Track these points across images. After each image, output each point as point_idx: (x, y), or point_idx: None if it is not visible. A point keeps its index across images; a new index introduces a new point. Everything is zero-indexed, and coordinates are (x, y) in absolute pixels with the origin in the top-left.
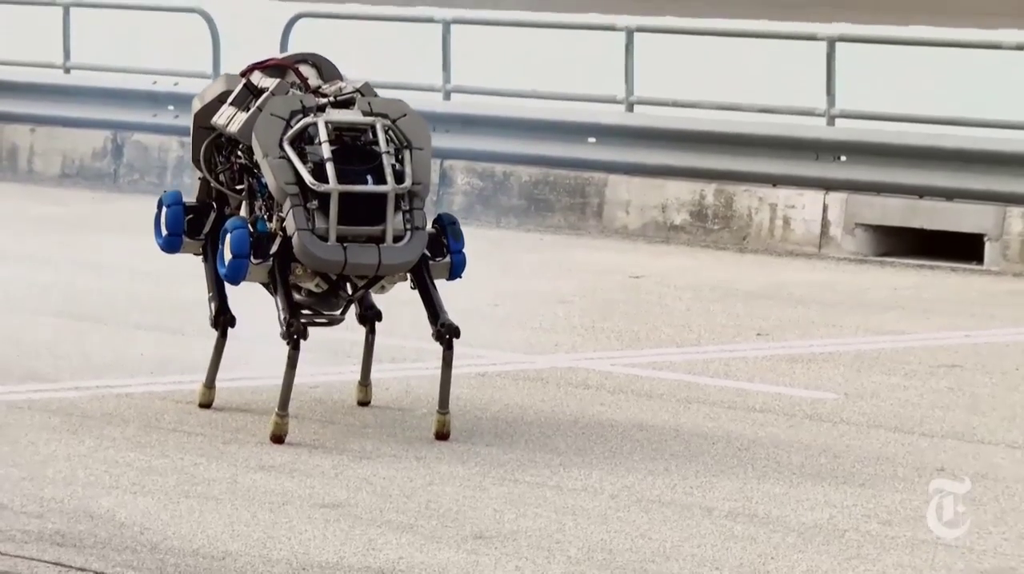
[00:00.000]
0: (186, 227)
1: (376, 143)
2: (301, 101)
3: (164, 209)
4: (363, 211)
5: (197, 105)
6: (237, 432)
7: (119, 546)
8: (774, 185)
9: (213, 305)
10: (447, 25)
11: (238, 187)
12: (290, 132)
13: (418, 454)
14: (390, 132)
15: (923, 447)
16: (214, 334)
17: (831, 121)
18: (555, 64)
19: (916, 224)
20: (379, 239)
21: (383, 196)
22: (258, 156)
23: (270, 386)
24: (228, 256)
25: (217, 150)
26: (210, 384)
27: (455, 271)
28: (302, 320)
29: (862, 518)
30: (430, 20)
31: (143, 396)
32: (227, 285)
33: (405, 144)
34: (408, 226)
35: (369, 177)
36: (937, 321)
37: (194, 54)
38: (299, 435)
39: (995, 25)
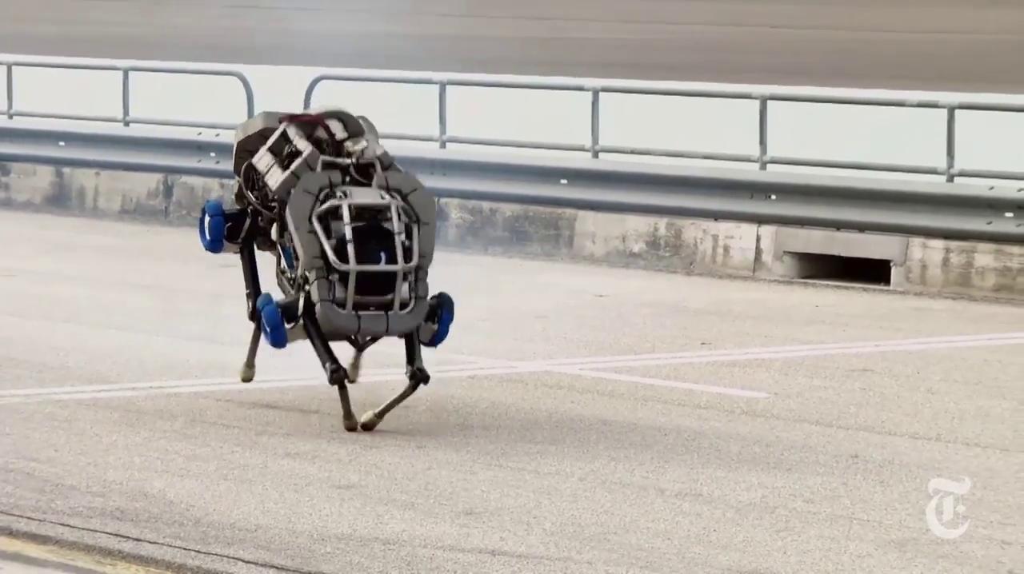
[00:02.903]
0: (226, 233)
1: (390, 221)
2: (329, 178)
3: (208, 218)
4: (376, 284)
5: (240, 134)
6: (267, 426)
7: (168, 520)
8: (716, 219)
9: (250, 301)
10: (443, 86)
11: (271, 205)
12: (319, 209)
13: (419, 444)
14: (401, 211)
15: (840, 438)
16: (248, 341)
17: (763, 166)
18: (533, 118)
19: (834, 252)
20: (387, 306)
21: (394, 272)
22: (291, 228)
23: (296, 387)
24: (268, 330)
25: (255, 171)
26: (250, 364)
27: (436, 339)
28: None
29: (789, 497)
30: (429, 82)
31: (189, 395)
32: (260, 280)
33: (414, 219)
34: (412, 295)
35: (383, 255)
36: (852, 333)
37: (232, 109)
38: (319, 428)
39: (899, 86)
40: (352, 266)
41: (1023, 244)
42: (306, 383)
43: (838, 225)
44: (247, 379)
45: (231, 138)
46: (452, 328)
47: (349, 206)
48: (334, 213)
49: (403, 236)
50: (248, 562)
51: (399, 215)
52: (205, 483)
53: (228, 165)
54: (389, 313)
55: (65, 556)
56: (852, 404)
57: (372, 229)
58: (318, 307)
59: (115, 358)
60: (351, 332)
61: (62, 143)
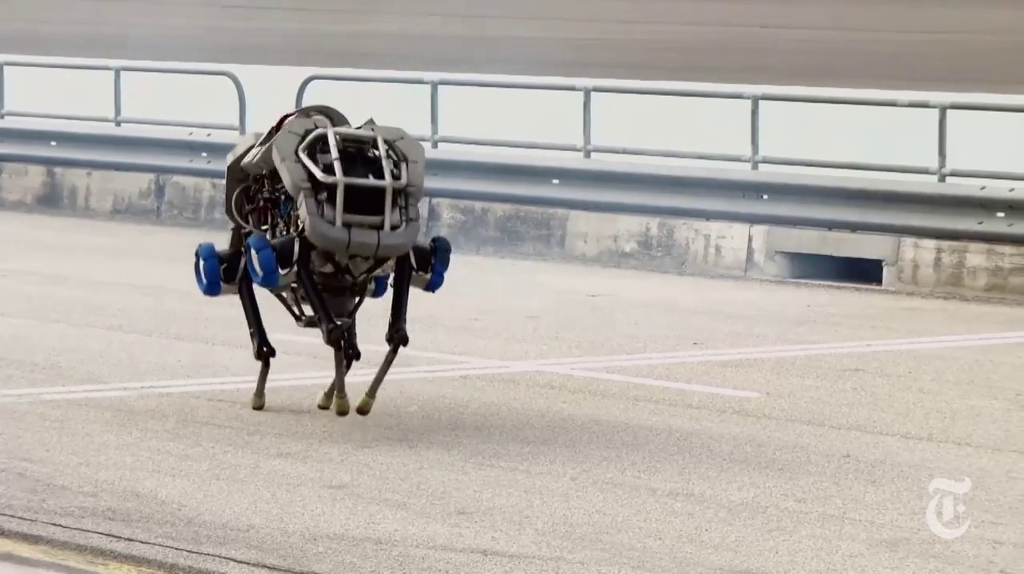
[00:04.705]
0: (222, 275)
1: (377, 150)
2: (315, 123)
3: (202, 261)
4: (365, 203)
5: (230, 159)
6: (259, 425)
7: (160, 520)
8: (707, 219)
9: (255, 339)
10: (435, 86)
11: (263, 227)
12: (304, 142)
13: (411, 444)
14: (389, 146)
15: (832, 437)
16: (239, 342)
17: (755, 166)
18: (525, 118)
19: (826, 251)
20: (379, 227)
21: (382, 191)
22: (276, 162)
23: (287, 387)
24: (260, 273)
25: (246, 198)
26: (259, 393)
27: (430, 286)
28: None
29: (781, 497)
30: (420, 82)
31: (180, 395)
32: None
33: (402, 158)
34: (403, 217)
35: (371, 175)
36: (843, 333)
37: (223, 109)
38: (311, 428)
39: (891, 86)
40: (339, 178)
41: (1014, 244)
42: (298, 383)
43: (830, 225)
44: (258, 407)
45: (223, 138)
46: (443, 328)
47: (335, 135)
48: (322, 148)
49: (391, 163)
50: (240, 562)
51: (387, 149)
52: (197, 483)
53: (219, 165)
54: (380, 231)
55: (57, 556)
56: (844, 404)
57: (359, 156)
58: (307, 222)
59: (107, 358)
60: (342, 246)
61: (54, 143)
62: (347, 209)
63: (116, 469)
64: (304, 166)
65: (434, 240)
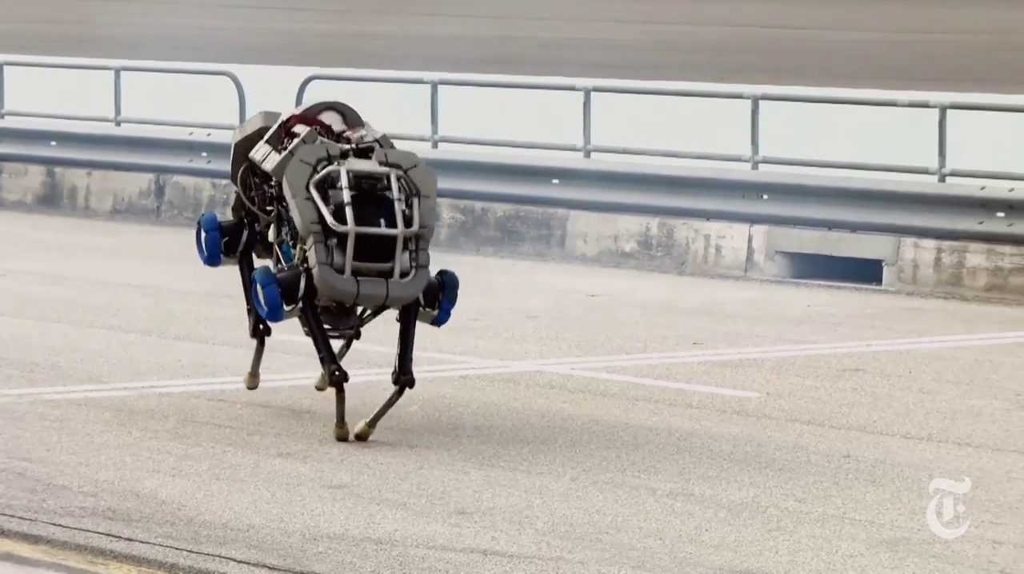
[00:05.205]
0: (223, 247)
1: (390, 190)
2: (327, 150)
3: (204, 233)
4: (375, 250)
5: (238, 135)
6: (259, 425)
7: (160, 520)
8: (707, 219)
9: (252, 316)
10: (435, 86)
11: (267, 209)
12: (316, 177)
13: (410, 444)
14: (402, 181)
15: (832, 437)
16: (239, 342)
17: (755, 166)
18: (525, 118)
19: (826, 251)
20: (388, 274)
21: (393, 238)
22: (287, 196)
23: (287, 387)
24: (265, 308)
25: (252, 174)
26: (254, 373)
27: (436, 321)
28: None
29: (781, 497)
30: (420, 82)
31: (180, 395)
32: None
33: (414, 192)
34: (413, 263)
35: (382, 220)
36: (843, 333)
37: (223, 109)
38: (311, 428)
39: (891, 86)
40: (351, 227)
41: (1014, 244)
42: (298, 383)
43: (830, 225)
44: (252, 387)
45: (223, 138)
46: (443, 328)
47: (347, 171)
48: (332, 183)
49: (403, 204)
50: (240, 562)
51: (399, 184)
52: (197, 483)
53: (219, 165)
54: (389, 280)
55: (57, 556)
56: (844, 404)
57: (371, 196)
58: (316, 270)
59: (106, 358)
60: (350, 298)
61: (53, 143)
62: (357, 254)
63: (116, 469)
64: (316, 207)
65: (441, 274)
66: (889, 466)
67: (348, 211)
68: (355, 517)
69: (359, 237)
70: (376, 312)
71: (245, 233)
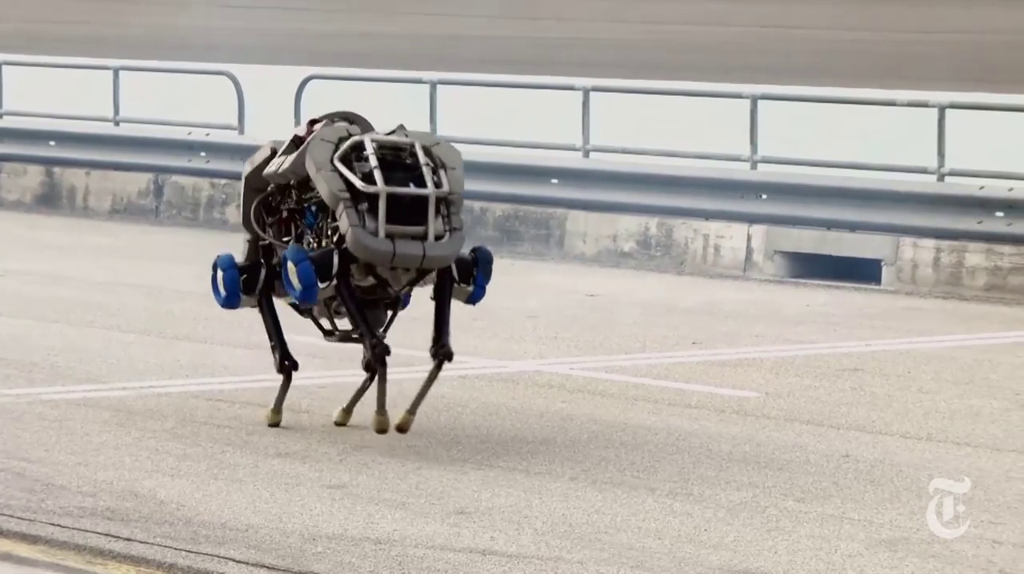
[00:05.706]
0: (242, 286)
1: (416, 158)
2: (347, 130)
3: (220, 272)
4: (407, 213)
5: (247, 169)
6: (258, 425)
7: (159, 520)
8: (706, 219)
9: (277, 353)
10: (434, 86)
11: (285, 239)
12: (339, 151)
13: (409, 443)
14: (427, 152)
15: (831, 437)
16: (238, 342)
17: (754, 166)
18: (524, 117)
19: (825, 251)
20: (422, 238)
21: (425, 199)
22: (311, 172)
23: None
24: (298, 287)
25: (265, 209)
26: (277, 410)
27: (472, 298)
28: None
29: (780, 496)
30: (419, 81)
31: (179, 395)
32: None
33: (440, 164)
34: (447, 227)
35: (411, 184)
36: (842, 332)
37: (222, 109)
38: (310, 428)
39: (890, 86)
40: (381, 187)
41: (1013, 243)
42: (297, 383)
43: (829, 225)
44: (274, 424)
45: (222, 138)
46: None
47: (372, 140)
48: (358, 155)
49: (430, 171)
50: (239, 562)
51: (424, 153)
52: (196, 483)
53: (218, 165)
54: (424, 242)
55: (55, 556)
56: (843, 403)
57: (397, 163)
58: (349, 233)
59: (105, 358)
60: (386, 259)
61: (52, 142)
62: (389, 219)
63: (115, 469)
64: (342, 175)
65: (475, 250)
66: (888, 466)
67: (377, 174)
68: (354, 517)
69: (389, 201)
70: (412, 282)
71: (263, 271)
